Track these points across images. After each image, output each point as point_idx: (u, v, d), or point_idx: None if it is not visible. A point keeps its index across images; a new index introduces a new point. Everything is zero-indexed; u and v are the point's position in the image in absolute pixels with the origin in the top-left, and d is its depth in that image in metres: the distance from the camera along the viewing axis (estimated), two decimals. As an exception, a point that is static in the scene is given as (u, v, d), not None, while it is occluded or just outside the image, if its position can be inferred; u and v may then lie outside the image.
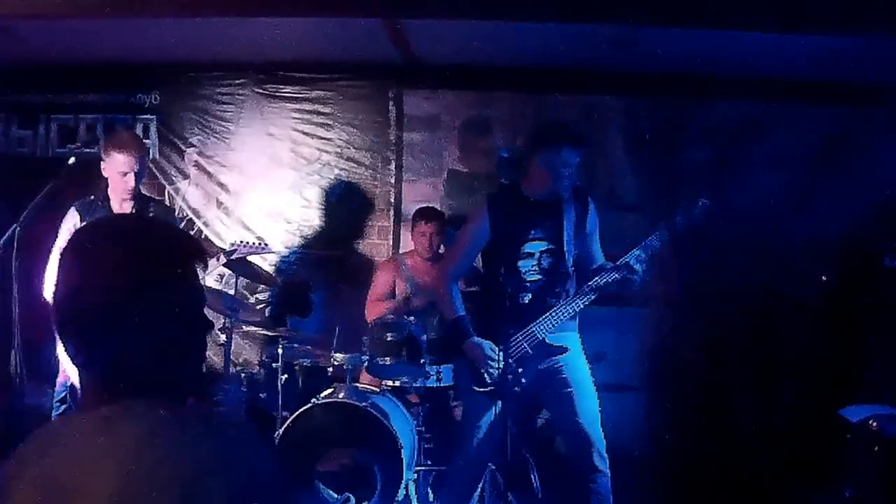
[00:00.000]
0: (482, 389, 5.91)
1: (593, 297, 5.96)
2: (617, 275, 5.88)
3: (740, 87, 8.32)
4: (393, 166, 8.85)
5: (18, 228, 6.07)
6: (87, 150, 8.79)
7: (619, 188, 8.63)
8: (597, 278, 5.94)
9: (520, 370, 5.85)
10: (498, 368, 5.79)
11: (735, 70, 8.13)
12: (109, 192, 6.44)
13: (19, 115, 9.11)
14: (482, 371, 5.88)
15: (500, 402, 5.80)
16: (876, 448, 6.29)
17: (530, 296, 6.00)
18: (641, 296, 8.45)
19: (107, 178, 6.41)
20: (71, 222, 6.39)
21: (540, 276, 6.00)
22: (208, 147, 8.87)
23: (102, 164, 6.43)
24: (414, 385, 7.19)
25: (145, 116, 8.93)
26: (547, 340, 5.91)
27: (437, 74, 8.73)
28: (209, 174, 8.85)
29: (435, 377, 7.10)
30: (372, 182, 8.85)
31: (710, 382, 8.37)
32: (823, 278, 8.14)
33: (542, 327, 5.89)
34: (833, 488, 6.71)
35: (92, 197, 6.57)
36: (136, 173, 6.34)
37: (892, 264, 7.37)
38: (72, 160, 6.57)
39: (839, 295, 8.05)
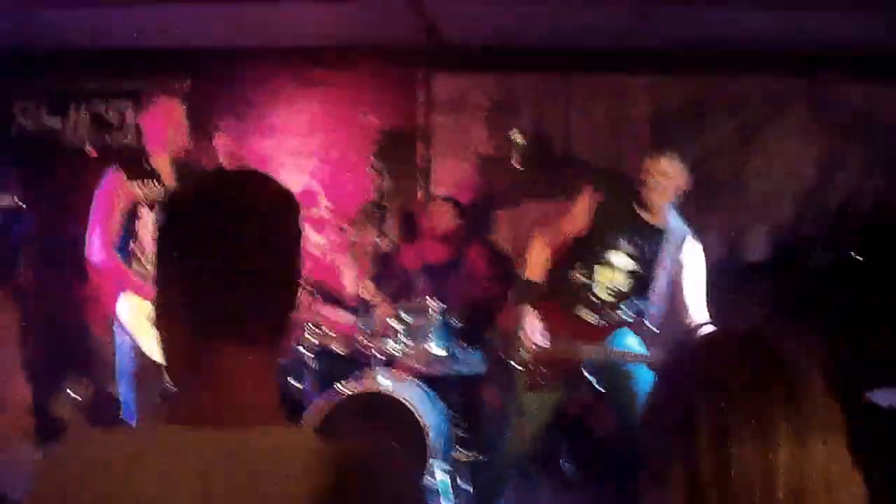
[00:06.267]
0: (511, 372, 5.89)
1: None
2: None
3: (764, 62, 8.28)
4: (423, 149, 8.92)
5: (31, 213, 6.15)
6: (121, 139, 8.87)
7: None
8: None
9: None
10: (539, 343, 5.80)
11: (758, 45, 8.09)
12: (150, 148, 6.47)
13: (49, 102, 9.09)
14: (519, 349, 5.83)
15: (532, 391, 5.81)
16: (909, 434, 6.15)
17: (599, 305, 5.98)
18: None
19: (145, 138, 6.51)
20: (118, 178, 6.30)
21: (614, 296, 5.93)
22: (238, 133, 8.73)
23: (142, 120, 6.62)
24: (445, 372, 7.11)
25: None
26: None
27: (464, 55, 8.77)
28: (240, 160, 8.77)
29: (466, 364, 7.07)
30: (403, 165, 8.81)
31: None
32: (853, 254, 8.11)
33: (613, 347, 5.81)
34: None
35: (134, 158, 6.60)
36: (182, 122, 6.52)
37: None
38: (88, 148, 6.57)
39: (869, 270, 8.02)
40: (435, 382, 7.18)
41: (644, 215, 5.91)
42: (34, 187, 8.25)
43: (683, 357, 1.94)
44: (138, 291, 6.11)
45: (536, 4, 7.46)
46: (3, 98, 9.08)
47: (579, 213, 6.00)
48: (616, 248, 5.92)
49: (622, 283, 5.90)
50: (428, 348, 6.97)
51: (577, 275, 5.97)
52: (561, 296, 6.01)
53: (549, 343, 5.84)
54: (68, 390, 7.31)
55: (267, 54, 8.87)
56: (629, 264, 5.92)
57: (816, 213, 8.49)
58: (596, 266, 5.94)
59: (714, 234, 8.38)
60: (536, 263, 6.03)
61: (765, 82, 8.56)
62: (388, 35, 8.33)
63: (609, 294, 5.93)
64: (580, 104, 8.77)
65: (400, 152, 8.76)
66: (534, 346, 5.85)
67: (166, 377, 2.01)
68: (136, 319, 6.13)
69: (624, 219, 5.93)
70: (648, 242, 5.89)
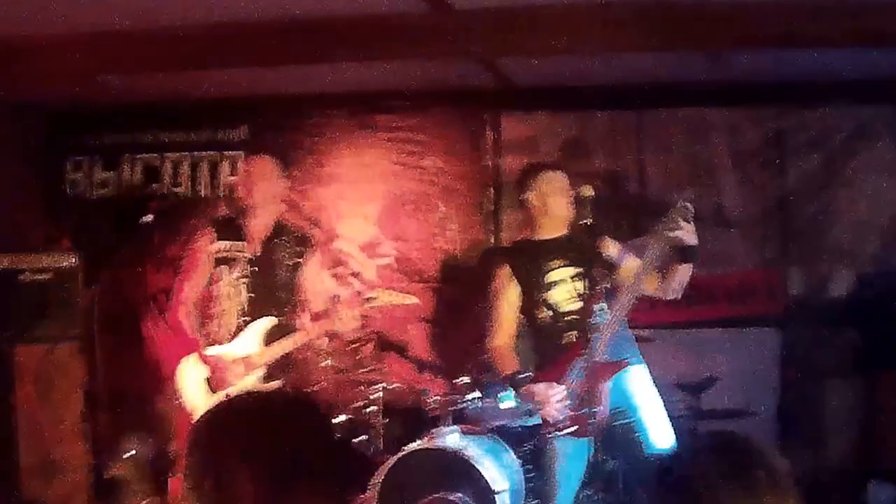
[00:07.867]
0: (563, 432, 5.67)
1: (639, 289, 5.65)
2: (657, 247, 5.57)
3: (846, 92, 7.91)
4: (491, 192, 8.55)
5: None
6: (175, 191, 8.80)
7: (725, 204, 8.27)
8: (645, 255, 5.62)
9: (591, 406, 5.54)
10: (563, 404, 5.64)
11: (838, 75, 7.69)
12: (248, 205, 6.36)
13: (103, 157, 8.98)
14: (548, 416, 5.70)
15: (589, 441, 5.54)
16: None
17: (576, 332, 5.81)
18: (750, 316, 8.19)
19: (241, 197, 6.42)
20: (207, 239, 6.32)
21: (581, 304, 5.78)
22: (299, 182, 8.49)
23: (238, 182, 6.63)
24: (512, 426, 6.90)
25: (233, 153, 8.77)
26: (601, 361, 5.57)
27: (532, 96, 8.47)
28: (300, 210, 8.56)
29: (528, 415, 6.67)
30: (469, 211, 8.56)
31: (824, 403, 8.07)
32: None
33: (594, 349, 5.54)
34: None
35: (228, 213, 6.81)
36: (277, 180, 6.40)
37: None
38: (149, 218, 6.55)
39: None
40: (506, 435, 6.97)
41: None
42: (92, 245, 8.07)
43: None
44: (200, 357, 6.16)
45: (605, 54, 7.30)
46: (57, 155, 9.00)
47: (501, 293, 6.10)
48: (549, 270, 5.95)
49: (578, 288, 5.84)
50: (495, 401, 6.73)
51: (542, 315, 5.95)
52: (549, 341, 6.01)
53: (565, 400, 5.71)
54: (129, 449, 7.18)
55: (326, 100, 8.65)
56: (568, 272, 5.92)
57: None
58: (545, 296, 5.92)
59: (797, 274, 8.18)
60: (504, 354, 6.12)
61: (847, 112, 8.17)
62: (453, 79, 8.10)
63: (574, 301, 5.88)
64: (654, 142, 8.42)
65: (468, 198, 8.54)
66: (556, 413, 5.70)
67: None
68: (191, 385, 6.16)
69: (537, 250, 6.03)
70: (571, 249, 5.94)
